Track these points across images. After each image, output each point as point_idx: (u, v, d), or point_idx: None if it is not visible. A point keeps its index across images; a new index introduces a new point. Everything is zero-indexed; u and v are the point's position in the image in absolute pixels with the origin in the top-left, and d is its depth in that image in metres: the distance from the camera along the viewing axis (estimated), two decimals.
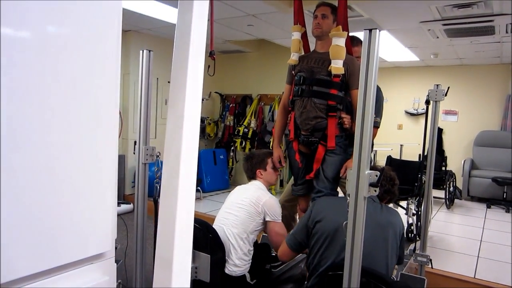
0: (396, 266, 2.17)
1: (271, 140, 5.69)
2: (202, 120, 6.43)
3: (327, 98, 2.32)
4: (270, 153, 2.55)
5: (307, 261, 2.04)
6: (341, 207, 1.61)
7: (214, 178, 5.92)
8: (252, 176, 2.50)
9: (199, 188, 5.52)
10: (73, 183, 0.72)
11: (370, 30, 1.30)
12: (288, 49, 6.02)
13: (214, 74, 1.56)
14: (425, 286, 2.38)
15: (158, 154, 1.82)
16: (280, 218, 2.35)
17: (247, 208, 2.27)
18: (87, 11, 0.73)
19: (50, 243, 0.69)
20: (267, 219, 2.29)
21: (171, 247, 0.72)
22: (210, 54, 2.02)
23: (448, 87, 2.61)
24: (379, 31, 1.30)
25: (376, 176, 1.26)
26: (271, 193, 5.73)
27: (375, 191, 1.27)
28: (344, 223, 1.34)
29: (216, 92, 6.64)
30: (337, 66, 2.26)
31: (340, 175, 2.38)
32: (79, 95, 0.73)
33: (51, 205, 0.69)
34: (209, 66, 1.41)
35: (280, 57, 5.85)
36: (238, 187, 2.53)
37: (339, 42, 2.26)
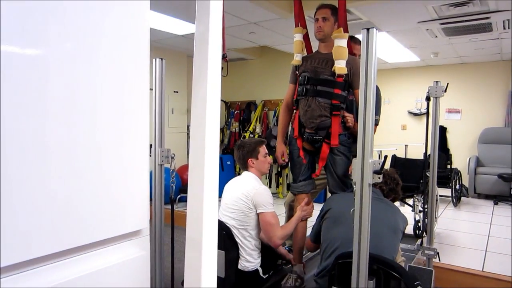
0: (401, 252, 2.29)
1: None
2: None
3: (331, 98, 2.40)
4: (261, 142, 2.54)
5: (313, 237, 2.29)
6: (347, 197, 1.80)
7: (221, 183, 5.90)
8: (244, 165, 2.48)
9: None
10: (114, 167, 0.83)
11: (368, 29, 1.40)
12: (289, 54, 6.08)
13: (227, 75, 1.66)
14: (432, 277, 2.43)
15: (173, 155, 1.92)
16: (271, 208, 2.31)
17: (241, 207, 2.28)
18: (116, 25, 0.84)
19: (94, 220, 0.79)
20: (258, 211, 2.27)
21: (200, 227, 0.81)
22: (223, 57, 2.13)
23: (448, 83, 2.68)
24: (376, 29, 1.40)
25: (379, 164, 1.35)
26: (278, 196, 5.84)
27: (379, 178, 1.35)
28: (352, 210, 1.43)
29: (221, 100, 6.76)
30: (340, 66, 2.35)
31: (349, 173, 2.48)
32: (113, 91, 0.84)
33: (94, 185, 0.80)
34: (222, 68, 1.52)
35: (282, 63, 5.97)
36: (231, 181, 2.50)
37: (341, 43, 2.35)
